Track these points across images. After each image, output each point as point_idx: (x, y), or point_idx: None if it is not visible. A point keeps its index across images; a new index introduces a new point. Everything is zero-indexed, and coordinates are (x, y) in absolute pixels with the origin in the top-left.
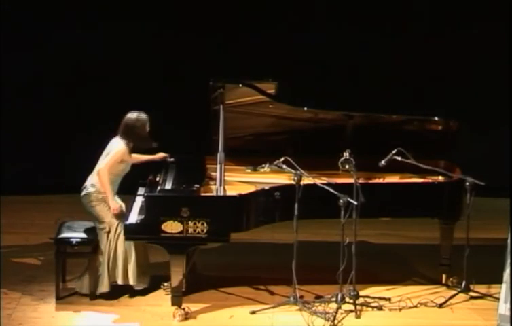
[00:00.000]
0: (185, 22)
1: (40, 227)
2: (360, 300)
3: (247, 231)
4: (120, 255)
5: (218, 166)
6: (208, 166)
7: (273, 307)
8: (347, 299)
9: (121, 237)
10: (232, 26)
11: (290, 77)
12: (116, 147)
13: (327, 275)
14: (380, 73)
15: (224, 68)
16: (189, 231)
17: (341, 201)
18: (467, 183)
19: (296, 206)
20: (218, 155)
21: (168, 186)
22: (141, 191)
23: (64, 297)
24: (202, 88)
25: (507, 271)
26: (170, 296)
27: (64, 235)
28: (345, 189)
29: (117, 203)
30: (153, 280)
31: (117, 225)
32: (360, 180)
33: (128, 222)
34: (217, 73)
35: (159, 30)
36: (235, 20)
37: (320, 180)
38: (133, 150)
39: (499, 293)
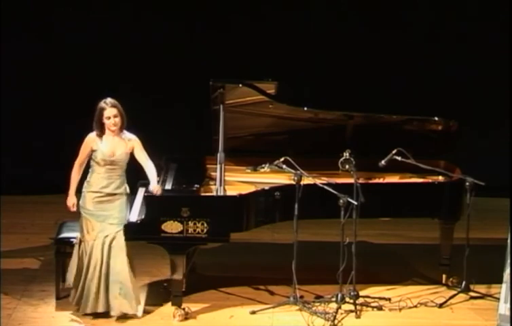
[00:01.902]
0: (184, 20)
1: (40, 227)
2: (360, 300)
3: (247, 231)
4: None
5: (218, 166)
6: (208, 166)
7: (273, 307)
8: (347, 299)
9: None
10: (232, 25)
11: (290, 77)
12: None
13: (327, 275)
14: (380, 72)
15: (224, 68)
16: (189, 231)
17: (341, 201)
18: (467, 183)
19: (296, 206)
20: (218, 155)
21: (168, 186)
22: (141, 191)
23: (64, 297)
24: (202, 88)
25: (507, 271)
26: (170, 296)
27: (64, 235)
28: (345, 189)
29: (71, 200)
30: (152, 280)
31: (90, 246)
32: (360, 181)
33: (128, 222)
34: (217, 73)
35: (158, 28)
36: (235, 19)
37: (320, 180)
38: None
39: (499, 293)
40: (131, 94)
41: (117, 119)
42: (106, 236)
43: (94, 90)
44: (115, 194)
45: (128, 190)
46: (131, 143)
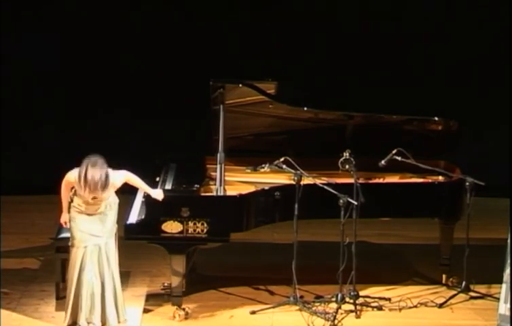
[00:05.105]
0: (185, 21)
1: (40, 227)
2: (360, 300)
3: (247, 231)
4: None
5: (218, 166)
6: (208, 166)
7: (273, 307)
8: (347, 299)
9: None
10: (232, 26)
11: (290, 77)
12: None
13: (327, 275)
14: (380, 72)
15: (224, 68)
16: (189, 231)
17: (341, 201)
18: (467, 183)
19: (296, 206)
20: (218, 155)
21: (168, 186)
22: (141, 192)
23: (64, 297)
24: (202, 88)
25: (507, 271)
26: (170, 296)
27: (64, 235)
28: (345, 189)
29: (63, 217)
30: (152, 280)
31: (81, 253)
32: (360, 181)
33: (127, 222)
34: (217, 73)
35: (158, 29)
36: (235, 19)
37: (320, 180)
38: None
39: (499, 293)
40: (129, 94)
41: (97, 199)
42: (86, 246)
43: (94, 91)
44: (100, 213)
45: (116, 203)
46: (111, 190)
